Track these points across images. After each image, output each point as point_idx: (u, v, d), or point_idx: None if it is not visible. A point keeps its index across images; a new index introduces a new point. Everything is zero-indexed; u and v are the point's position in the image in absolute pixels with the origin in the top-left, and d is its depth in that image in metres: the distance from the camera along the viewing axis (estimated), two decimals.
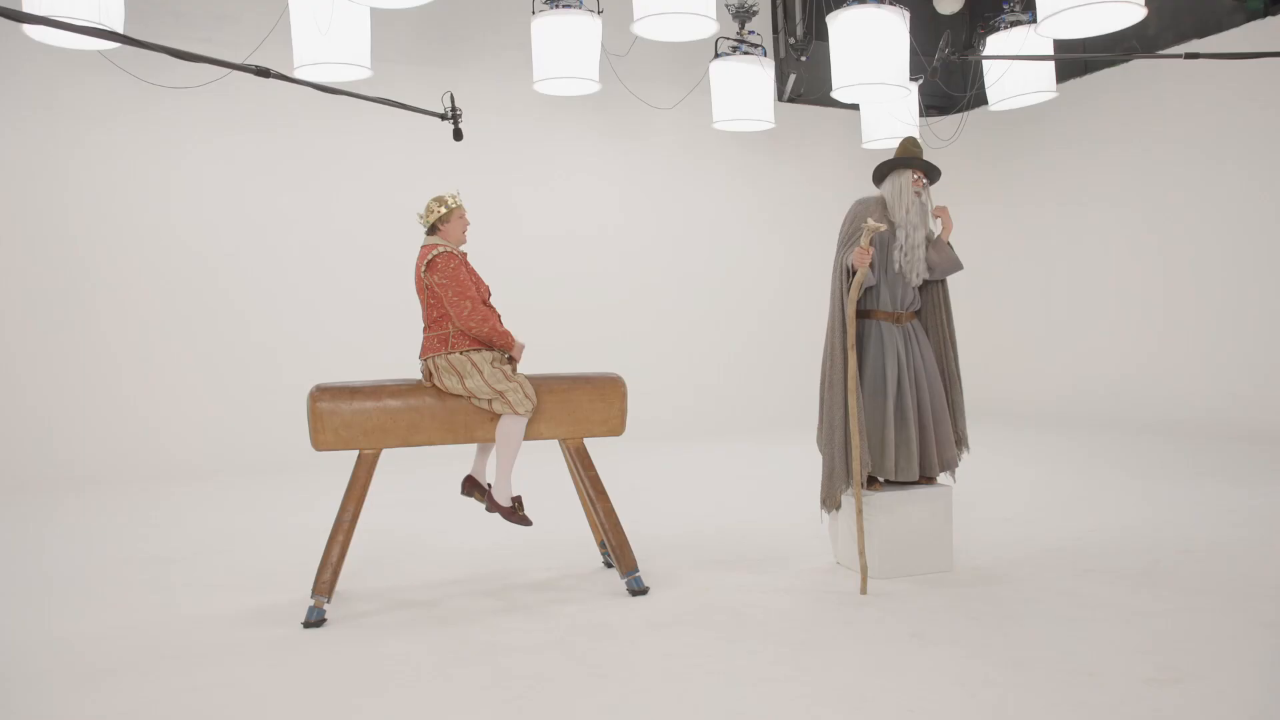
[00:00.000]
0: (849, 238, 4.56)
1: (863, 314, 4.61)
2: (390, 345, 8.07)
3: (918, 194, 4.58)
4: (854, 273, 4.38)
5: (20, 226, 8.58)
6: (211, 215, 9.29)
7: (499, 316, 4.32)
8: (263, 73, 4.76)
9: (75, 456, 8.41)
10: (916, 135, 9.03)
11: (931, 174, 4.62)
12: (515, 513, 4.39)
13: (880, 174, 4.68)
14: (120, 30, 5.28)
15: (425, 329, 4.27)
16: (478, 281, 4.31)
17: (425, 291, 4.24)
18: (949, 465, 4.67)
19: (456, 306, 4.14)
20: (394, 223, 9.62)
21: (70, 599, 4.54)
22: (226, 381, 9.20)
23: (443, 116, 5.70)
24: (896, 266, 4.56)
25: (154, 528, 6.23)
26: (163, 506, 7.02)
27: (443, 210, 4.27)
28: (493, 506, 4.39)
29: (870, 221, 4.22)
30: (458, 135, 5.72)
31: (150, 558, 5.37)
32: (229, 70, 4.56)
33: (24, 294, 8.56)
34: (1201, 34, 9.97)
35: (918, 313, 4.73)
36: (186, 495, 7.47)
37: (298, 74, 6.42)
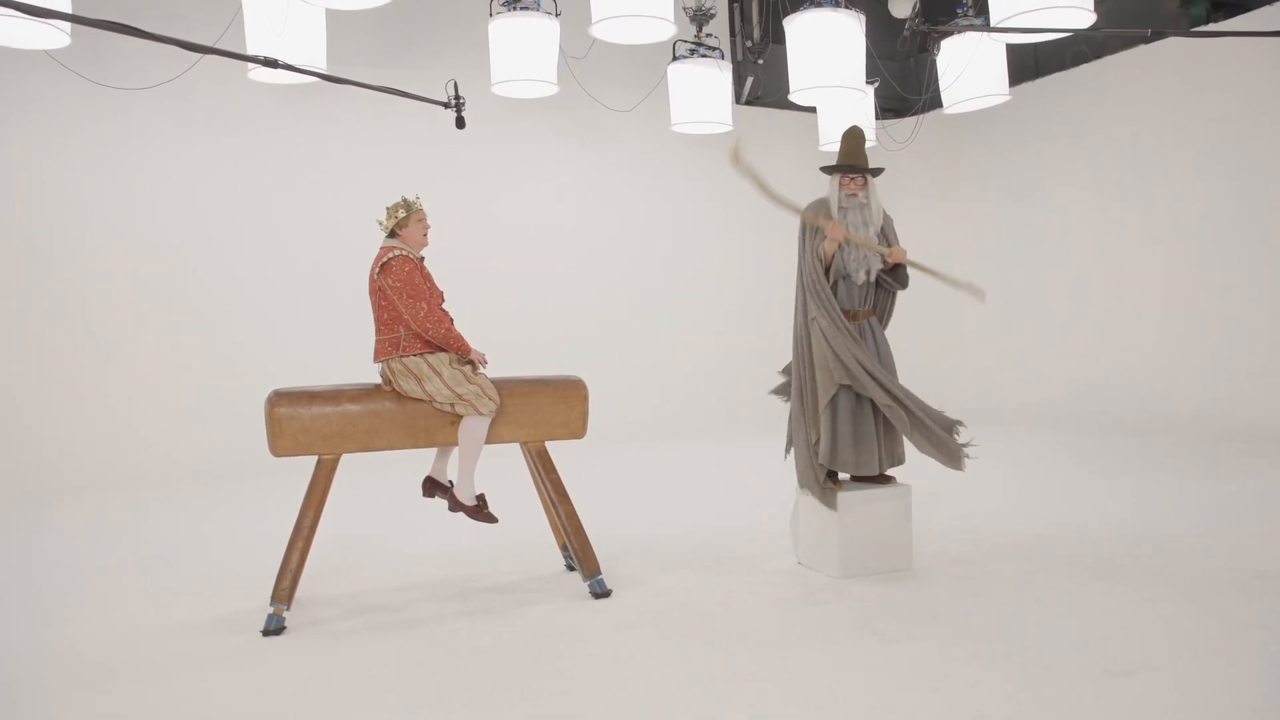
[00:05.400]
0: (808, 239, 4.69)
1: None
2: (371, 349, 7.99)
3: (854, 195, 4.65)
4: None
5: None
6: (184, 219, 9.13)
7: (451, 320, 4.30)
8: (271, 63, 4.70)
9: (47, 464, 8.24)
10: (872, 137, 9.16)
11: (870, 171, 4.68)
12: (480, 511, 4.37)
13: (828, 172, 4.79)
14: (68, 30, 5.19)
15: (377, 332, 4.23)
16: (431, 286, 4.27)
17: (377, 294, 4.21)
18: (898, 461, 4.69)
19: (411, 309, 4.11)
20: (368, 225, 9.54)
21: (31, 609, 4.44)
22: (198, 385, 9.05)
23: (445, 105, 5.69)
24: (844, 267, 4.62)
25: (115, 535, 6.11)
26: (127, 513, 6.89)
27: (401, 214, 4.24)
28: (456, 506, 4.37)
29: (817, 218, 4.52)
30: (460, 124, 5.72)
31: (110, 566, 5.26)
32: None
33: None
34: (1148, 40, 10.19)
35: (875, 310, 4.76)
36: (155, 501, 7.34)
37: (253, 75, 6.36)
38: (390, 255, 4.16)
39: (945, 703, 2.99)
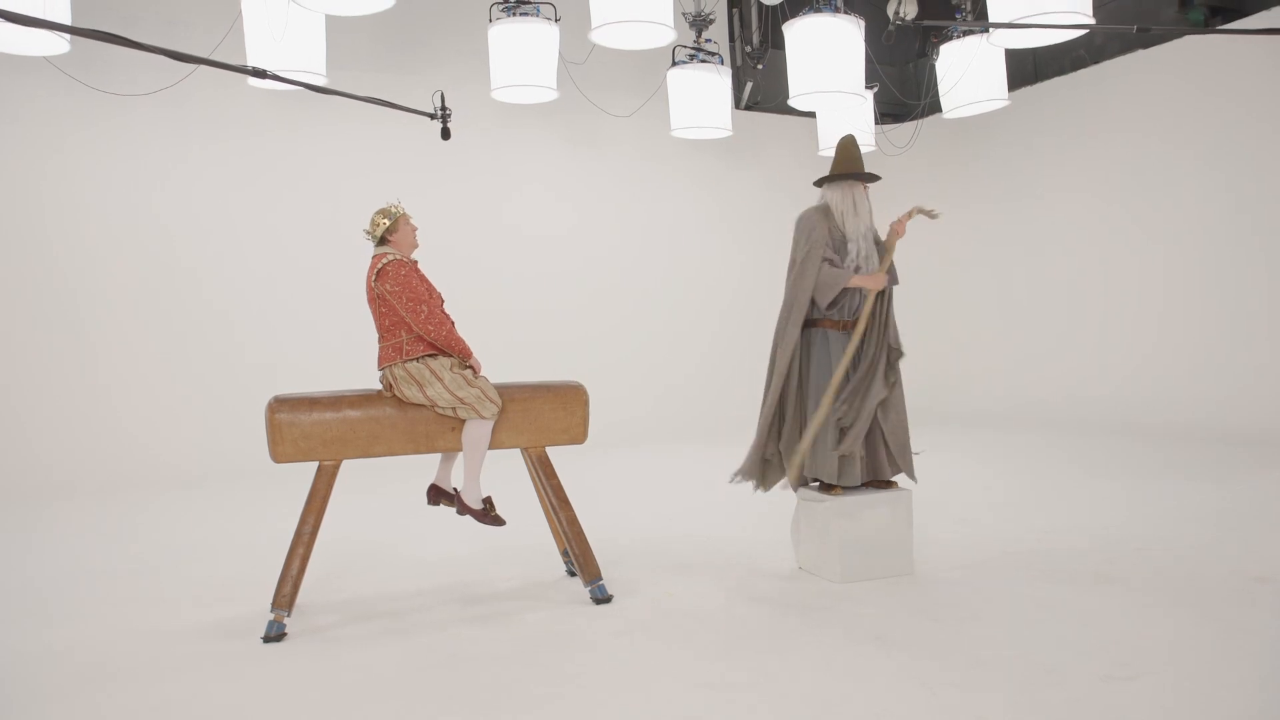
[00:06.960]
0: (807, 253, 4.55)
1: (810, 322, 4.61)
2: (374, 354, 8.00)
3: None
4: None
5: None
6: (184, 223, 9.15)
7: (453, 323, 4.29)
8: (259, 74, 4.70)
9: (47, 467, 8.25)
10: (871, 141, 9.19)
11: (868, 178, 4.66)
12: (488, 514, 4.38)
13: (827, 180, 4.68)
14: (68, 36, 5.19)
15: (380, 340, 4.23)
16: (430, 288, 4.27)
17: (377, 301, 4.21)
18: (899, 468, 4.65)
19: (413, 312, 4.12)
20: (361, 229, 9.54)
21: (32, 612, 4.44)
22: (198, 389, 9.06)
23: (432, 116, 5.71)
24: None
25: (115, 539, 6.11)
26: (127, 517, 6.89)
27: (387, 222, 4.23)
28: (464, 510, 4.37)
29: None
30: (445, 134, 5.73)
31: (110, 570, 5.26)
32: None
33: None
34: (1145, 45, 10.23)
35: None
36: (156, 505, 7.34)
37: (251, 80, 6.36)
38: (385, 260, 4.16)
39: (945, 708, 2.99)
